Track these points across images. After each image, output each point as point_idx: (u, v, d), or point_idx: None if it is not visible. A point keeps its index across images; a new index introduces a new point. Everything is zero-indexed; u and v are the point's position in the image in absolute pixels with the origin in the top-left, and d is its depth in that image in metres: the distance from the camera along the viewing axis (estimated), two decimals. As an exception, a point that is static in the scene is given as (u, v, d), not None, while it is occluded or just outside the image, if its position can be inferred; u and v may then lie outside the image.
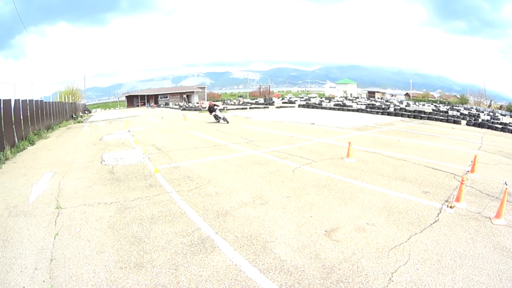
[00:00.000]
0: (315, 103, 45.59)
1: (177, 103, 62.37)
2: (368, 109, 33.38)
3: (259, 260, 3.90)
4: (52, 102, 24.47)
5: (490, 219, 5.16)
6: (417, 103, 60.25)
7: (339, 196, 6.18)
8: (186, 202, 5.86)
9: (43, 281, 3.52)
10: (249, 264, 3.82)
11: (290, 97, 72.70)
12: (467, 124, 24.24)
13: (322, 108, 38.70)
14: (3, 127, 11.34)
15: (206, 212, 5.40)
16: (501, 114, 45.02)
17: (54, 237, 4.56)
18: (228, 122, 19.50)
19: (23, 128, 14.12)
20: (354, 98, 68.56)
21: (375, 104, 42.91)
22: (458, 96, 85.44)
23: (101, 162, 9.29)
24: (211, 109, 21.24)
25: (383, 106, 37.35)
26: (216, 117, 20.43)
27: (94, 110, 60.54)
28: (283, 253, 4.06)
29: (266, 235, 4.56)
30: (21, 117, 14.10)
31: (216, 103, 18.06)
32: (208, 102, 18.04)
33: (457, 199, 5.79)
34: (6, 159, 10.25)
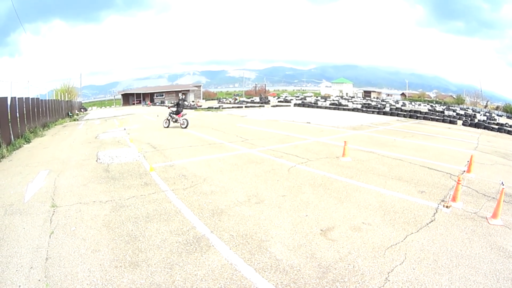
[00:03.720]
0: (311, 102, 45.76)
1: (172, 101, 62.11)
2: (364, 109, 33.51)
3: (254, 259, 3.89)
4: (48, 100, 24.27)
5: (487, 219, 5.17)
6: (413, 103, 60.46)
7: (334, 195, 6.18)
8: (181, 201, 5.83)
9: (39, 280, 3.48)
10: (244, 263, 3.80)
11: (286, 96, 72.87)
12: (463, 124, 24.33)
13: (317, 107, 38.86)
14: (-1, 124, 11.24)
15: (201, 211, 5.37)
16: (498, 115, 45.25)
17: (50, 236, 4.51)
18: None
19: (19, 126, 13.99)
20: (350, 98, 68.61)
21: (371, 104, 43.10)
22: (454, 96, 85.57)
23: (96, 160, 9.23)
24: None
25: (379, 106, 37.51)
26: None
27: (90, 108, 60.29)
28: (279, 252, 4.04)
29: (261, 234, 4.55)
30: (17, 115, 13.97)
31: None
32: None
33: (453, 199, 5.78)
34: (2, 157, 10.15)
